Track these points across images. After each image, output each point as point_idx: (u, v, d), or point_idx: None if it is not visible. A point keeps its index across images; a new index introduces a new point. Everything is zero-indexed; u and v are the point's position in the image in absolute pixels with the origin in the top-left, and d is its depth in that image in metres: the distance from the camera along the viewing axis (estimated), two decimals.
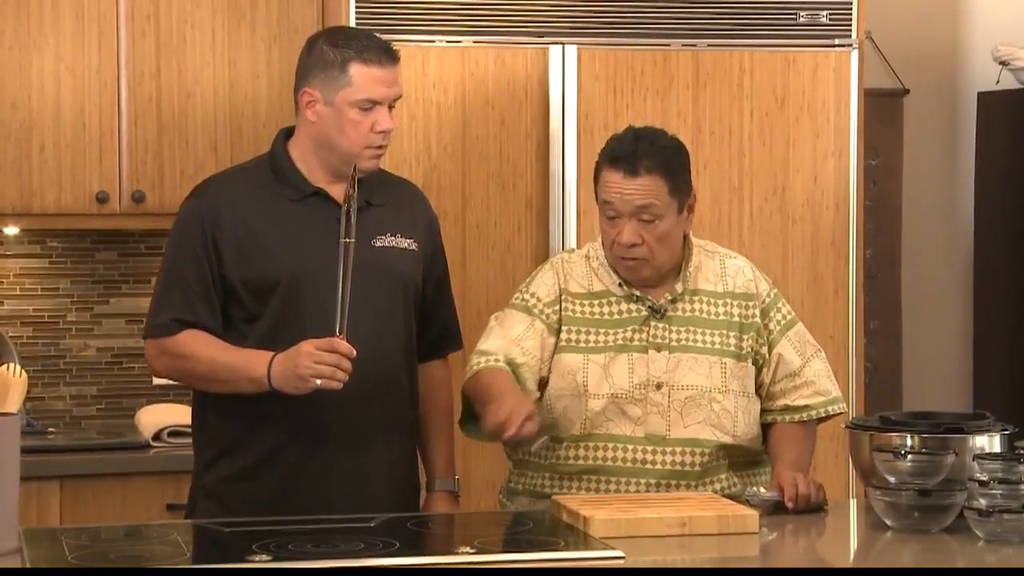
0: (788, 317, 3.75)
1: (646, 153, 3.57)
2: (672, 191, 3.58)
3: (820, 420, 3.76)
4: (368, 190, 3.62)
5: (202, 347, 3.56)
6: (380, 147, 3.61)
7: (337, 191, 3.60)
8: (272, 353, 3.47)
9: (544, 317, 3.66)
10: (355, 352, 3.39)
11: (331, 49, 3.59)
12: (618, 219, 3.58)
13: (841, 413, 3.75)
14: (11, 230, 4.87)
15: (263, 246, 3.57)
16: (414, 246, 3.69)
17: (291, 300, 3.55)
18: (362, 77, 3.56)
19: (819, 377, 3.73)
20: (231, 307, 3.59)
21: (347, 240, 3.47)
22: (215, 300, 3.58)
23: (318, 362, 3.38)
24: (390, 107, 3.61)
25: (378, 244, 3.62)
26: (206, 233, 3.57)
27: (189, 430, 3.82)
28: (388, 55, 3.60)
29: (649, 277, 3.65)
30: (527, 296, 3.70)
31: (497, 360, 3.62)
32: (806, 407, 3.71)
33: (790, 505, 3.47)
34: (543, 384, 3.66)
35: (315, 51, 3.62)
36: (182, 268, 3.59)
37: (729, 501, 3.45)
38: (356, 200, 3.48)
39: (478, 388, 3.59)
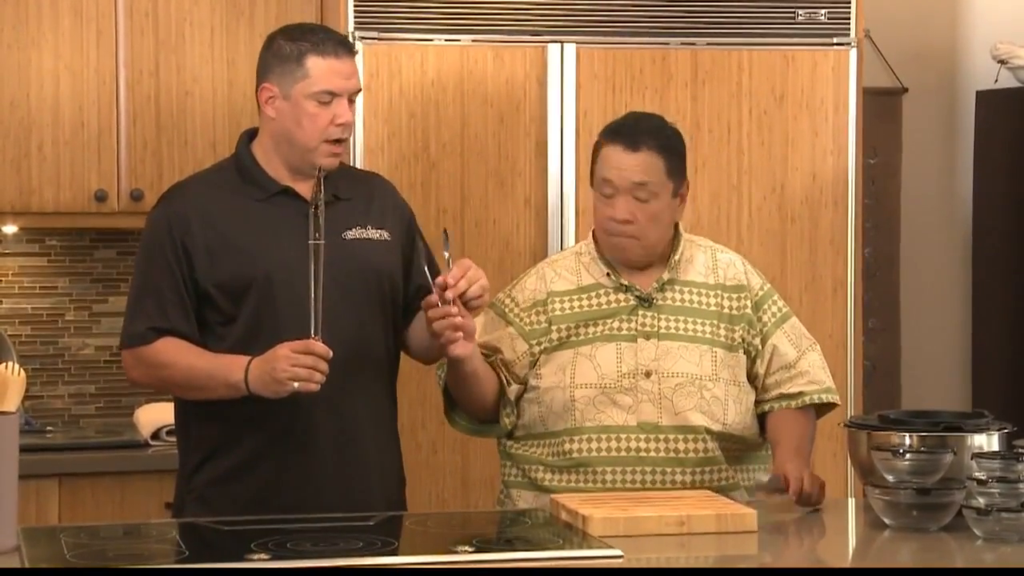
0: (783, 311, 3.76)
1: (647, 131, 3.63)
2: (668, 172, 3.62)
3: (819, 410, 3.76)
4: (334, 184, 3.61)
5: (179, 355, 3.55)
6: (339, 141, 3.59)
7: (303, 187, 3.60)
8: (249, 358, 3.47)
9: (519, 321, 3.69)
10: (331, 353, 3.40)
11: (287, 43, 3.61)
12: (614, 196, 3.61)
13: (835, 403, 3.74)
14: (9, 228, 4.87)
15: (234, 248, 3.57)
16: (386, 236, 3.68)
17: (266, 299, 3.55)
18: (319, 69, 3.56)
19: (813, 367, 3.73)
20: (206, 311, 3.58)
21: (316, 242, 3.46)
22: (189, 306, 3.57)
23: (295, 365, 3.38)
24: (350, 101, 3.61)
25: (349, 237, 3.62)
26: (175, 239, 3.57)
27: None
28: (344, 47, 3.61)
29: (638, 258, 3.67)
30: (508, 300, 3.73)
31: None
32: (800, 394, 3.71)
33: (794, 498, 3.47)
34: (523, 387, 3.69)
35: (272, 47, 3.63)
36: (154, 276, 3.59)
37: (728, 500, 3.45)
38: (323, 201, 3.48)
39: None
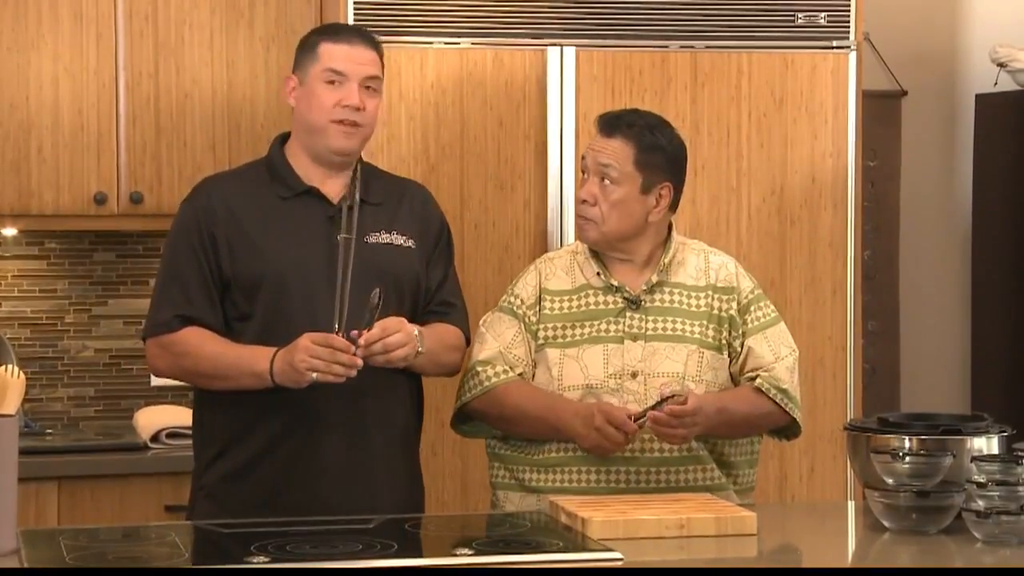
0: (769, 316, 3.75)
1: (629, 122, 3.69)
2: (638, 164, 3.65)
3: (783, 432, 3.76)
4: (365, 188, 3.65)
5: (205, 344, 3.57)
6: (351, 124, 3.62)
7: (329, 188, 3.64)
8: (275, 349, 3.50)
9: (526, 320, 3.70)
10: (353, 348, 3.42)
11: (310, 36, 3.71)
12: (586, 178, 3.69)
13: (782, 406, 3.67)
14: (9, 231, 4.87)
15: (251, 242, 3.60)
16: (410, 243, 3.69)
17: (278, 297, 3.57)
18: (328, 52, 3.63)
19: (780, 367, 3.70)
20: (225, 306, 3.62)
21: (345, 236, 3.50)
22: (215, 296, 3.60)
23: (313, 356, 3.41)
24: (367, 88, 3.63)
25: (371, 241, 3.64)
26: (203, 231, 3.61)
27: (187, 431, 3.83)
28: (359, 36, 3.68)
29: (595, 242, 3.70)
30: (512, 299, 3.75)
31: (507, 372, 3.68)
32: (755, 377, 3.69)
33: (664, 415, 3.48)
34: None
35: (302, 43, 3.72)
36: (181, 265, 3.62)
37: (727, 503, 3.45)
38: (355, 196, 3.51)
39: (508, 403, 3.65)
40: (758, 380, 3.67)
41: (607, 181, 3.65)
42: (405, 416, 3.69)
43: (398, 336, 3.49)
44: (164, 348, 3.62)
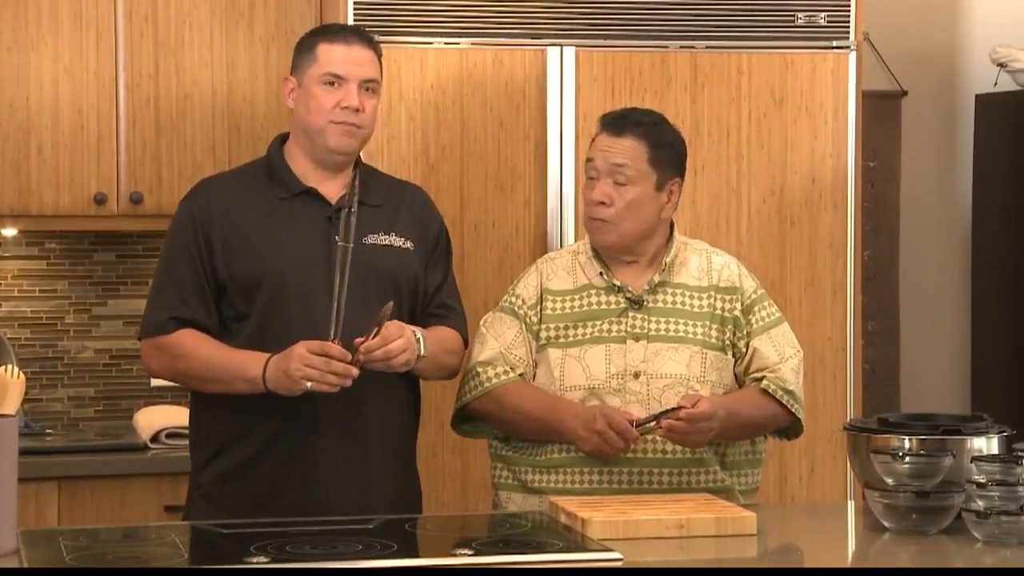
0: (773, 316, 3.75)
1: (636, 120, 3.69)
2: (652, 161, 3.66)
3: (786, 432, 3.76)
4: (363, 190, 3.65)
5: (199, 347, 3.57)
6: (350, 124, 3.62)
7: (327, 188, 3.64)
8: (268, 354, 3.49)
9: (528, 320, 3.70)
10: (350, 357, 3.41)
11: (307, 38, 3.71)
12: (596, 180, 3.67)
13: (787, 407, 3.67)
14: (9, 231, 4.87)
15: (249, 243, 3.60)
16: (409, 244, 3.69)
17: (276, 297, 3.57)
18: (325, 54, 3.63)
19: (786, 368, 3.71)
20: (221, 307, 3.62)
21: (343, 244, 3.50)
22: (210, 298, 3.60)
23: (307, 364, 3.40)
24: (367, 90, 3.64)
25: (368, 242, 3.64)
26: (199, 232, 3.61)
27: (187, 432, 3.83)
28: (356, 36, 3.67)
29: (612, 245, 3.69)
30: (513, 299, 3.75)
31: (507, 372, 3.68)
32: (762, 379, 3.69)
33: (678, 422, 3.47)
34: None
35: (298, 45, 3.72)
36: (177, 267, 3.62)
37: (727, 503, 3.45)
38: (354, 203, 3.51)
39: (508, 404, 3.65)
40: (764, 382, 3.67)
41: (620, 179, 3.64)
42: (402, 420, 3.69)
43: (399, 343, 3.49)
44: (159, 349, 3.62)
